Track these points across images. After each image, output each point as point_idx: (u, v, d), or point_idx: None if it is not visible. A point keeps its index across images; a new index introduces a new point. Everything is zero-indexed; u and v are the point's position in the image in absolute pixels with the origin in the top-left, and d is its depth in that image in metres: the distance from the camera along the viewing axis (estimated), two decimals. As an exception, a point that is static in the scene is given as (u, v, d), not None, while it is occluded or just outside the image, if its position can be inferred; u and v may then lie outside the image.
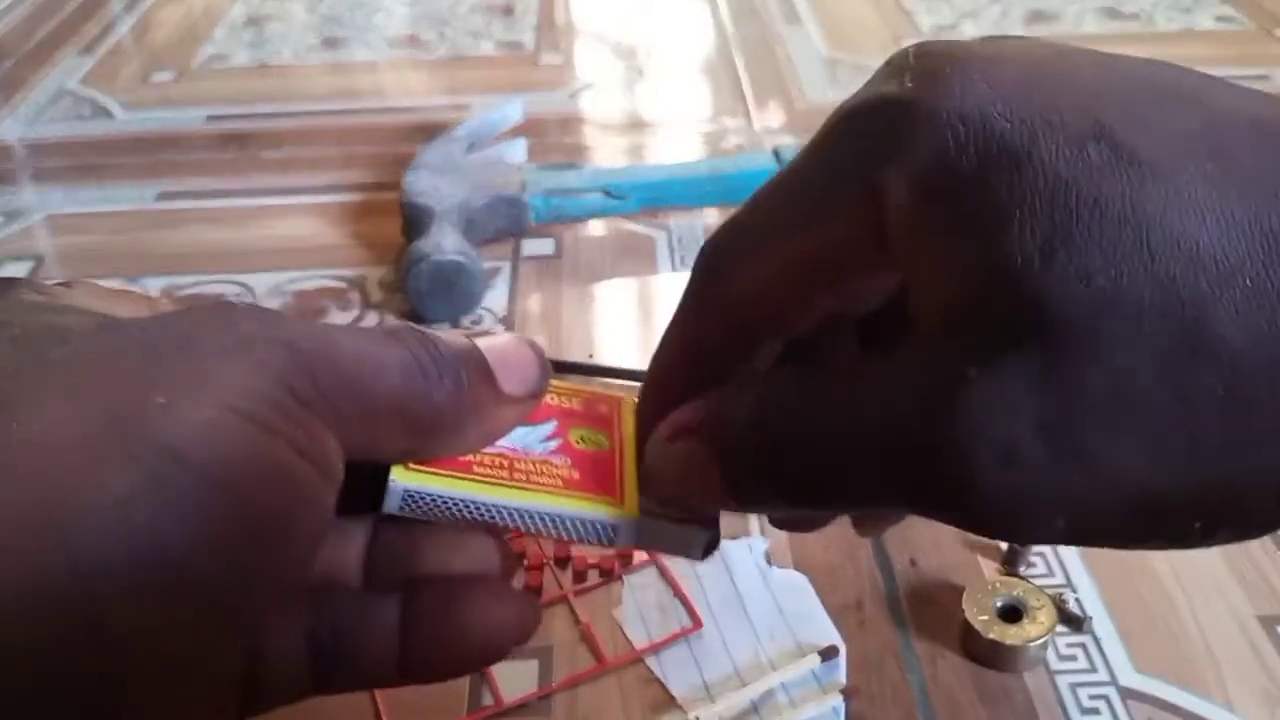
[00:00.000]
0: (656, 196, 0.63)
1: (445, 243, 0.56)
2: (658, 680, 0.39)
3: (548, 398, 0.26)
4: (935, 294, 0.19)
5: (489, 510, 0.23)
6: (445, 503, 0.23)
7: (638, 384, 0.52)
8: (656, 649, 0.40)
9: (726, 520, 0.45)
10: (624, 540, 0.24)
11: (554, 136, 0.76)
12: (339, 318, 0.58)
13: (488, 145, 0.69)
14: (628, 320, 0.58)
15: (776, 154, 0.63)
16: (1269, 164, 0.18)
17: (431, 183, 0.62)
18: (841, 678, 0.38)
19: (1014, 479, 0.17)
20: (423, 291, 0.56)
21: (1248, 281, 0.17)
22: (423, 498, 0.23)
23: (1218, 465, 0.17)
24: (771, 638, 0.40)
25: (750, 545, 0.44)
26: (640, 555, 0.43)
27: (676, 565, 0.43)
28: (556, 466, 0.25)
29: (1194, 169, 0.17)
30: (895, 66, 0.20)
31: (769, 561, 0.43)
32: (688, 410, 0.22)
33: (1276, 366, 0.17)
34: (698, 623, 0.40)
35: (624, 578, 0.43)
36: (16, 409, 0.17)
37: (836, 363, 0.23)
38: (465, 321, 0.57)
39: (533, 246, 0.63)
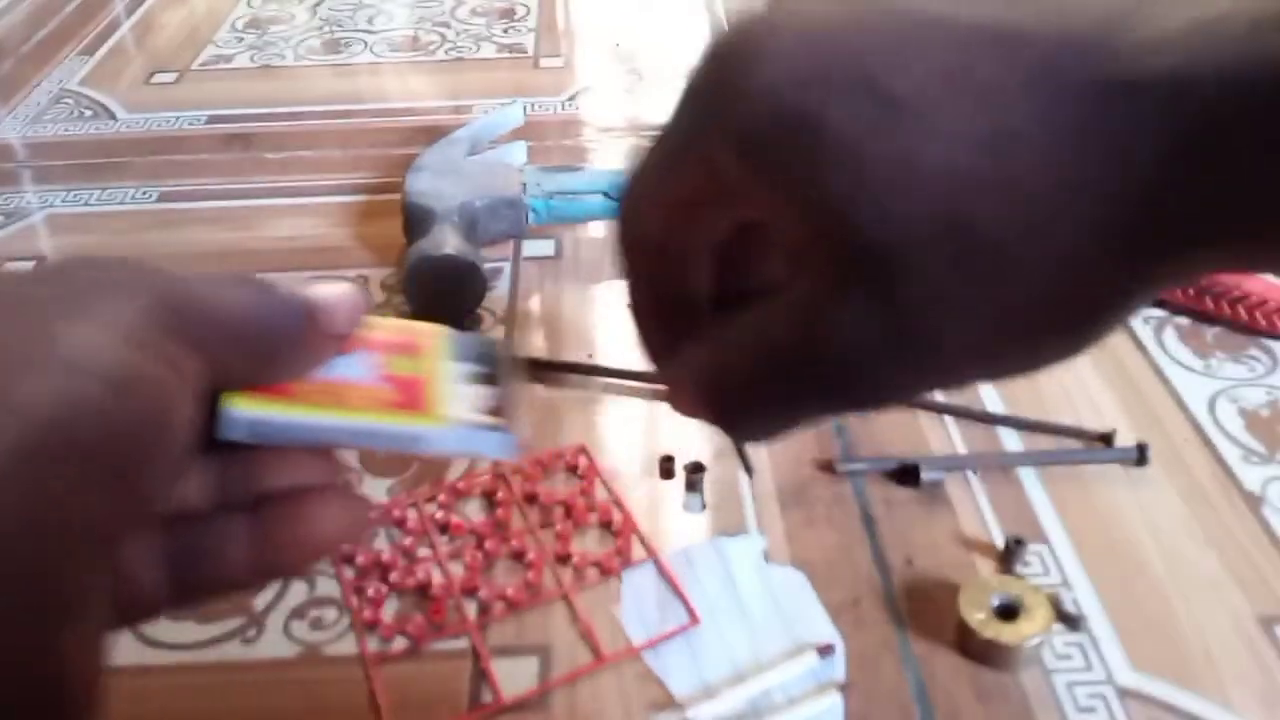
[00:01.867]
0: (656, 198, 0.64)
1: (446, 244, 0.57)
2: (657, 678, 0.39)
3: (375, 334, 0.30)
4: (782, 237, 0.24)
5: (313, 429, 0.27)
6: (277, 425, 0.27)
7: (637, 384, 0.53)
8: (654, 645, 0.40)
9: (727, 518, 0.46)
10: (433, 446, 0.29)
11: (554, 139, 0.76)
12: (340, 318, 0.58)
13: (488, 147, 0.69)
14: (627, 320, 0.58)
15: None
16: (997, 66, 0.22)
17: (433, 184, 0.62)
18: (839, 674, 0.39)
19: (877, 374, 0.23)
20: (424, 292, 0.56)
21: (996, 188, 0.21)
22: (258, 423, 0.27)
23: (1012, 315, 0.22)
24: (769, 635, 0.40)
25: (748, 542, 0.44)
26: (639, 554, 0.44)
27: (675, 562, 0.43)
28: (374, 390, 0.29)
29: (948, 101, 0.22)
30: (715, 43, 0.24)
31: (767, 559, 0.43)
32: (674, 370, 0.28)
33: (1026, 237, 0.21)
34: (695, 619, 0.41)
35: (622, 575, 0.43)
36: None
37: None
38: (466, 321, 0.57)
39: (533, 248, 0.64)
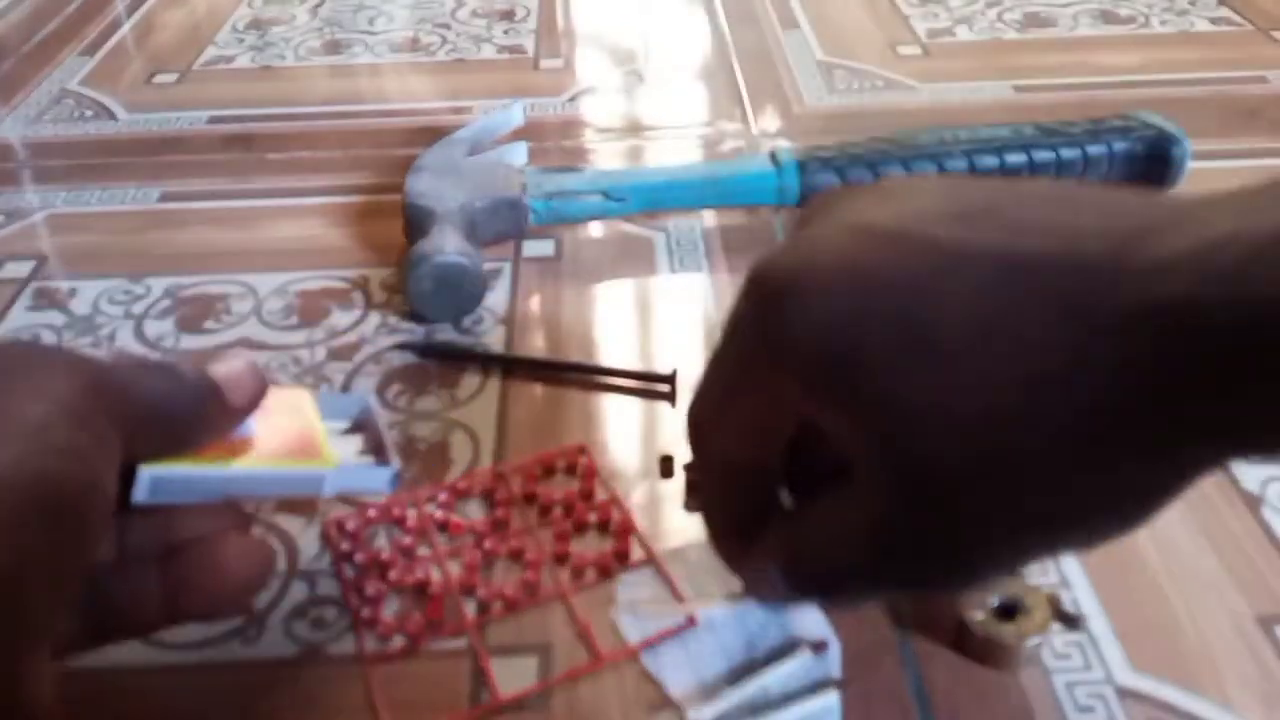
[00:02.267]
0: (655, 199, 0.64)
1: (447, 244, 0.57)
2: (654, 678, 0.39)
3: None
4: (844, 445, 0.26)
5: (220, 481, 0.31)
6: (187, 480, 0.30)
7: (636, 383, 0.53)
8: (651, 645, 0.40)
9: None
10: (328, 487, 0.33)
11: (554, 140, 0.76)
12: (341, 318, 0.58)
13: (489, 148, 0.69)
14: (627, 321, 0.58)
15: (774, 157, 0.64)
16: (1030, 315, 0.23)
17: (433, 185, 0.62)
18: (835, 672, 0.39)
19: (936, 577, 0.27)
20: (424, 292, 0.56)
21: (1023, 426, 0.24)
22: (169, 480, 0.30)
23: (1037, 527, 0.25)
24: (765, 634, 0.40)
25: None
26: (638, 553, 0.44)
27: (671, 562, 0.43)
28: (268, 441, 0.33)
29: (980, 344, 0.24)
30: (754, 277, 0.27)
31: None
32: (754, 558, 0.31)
33: (1071, 471, 0.24)
34: (692, 620, 0.41)
35: (619, 577, 0.43)
36: None
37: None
38: (466, 322, 0.58)
39: (533, 248, 0.64)
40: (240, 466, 0.32)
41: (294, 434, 0.34)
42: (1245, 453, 0.23)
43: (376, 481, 0.35)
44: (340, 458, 0.35)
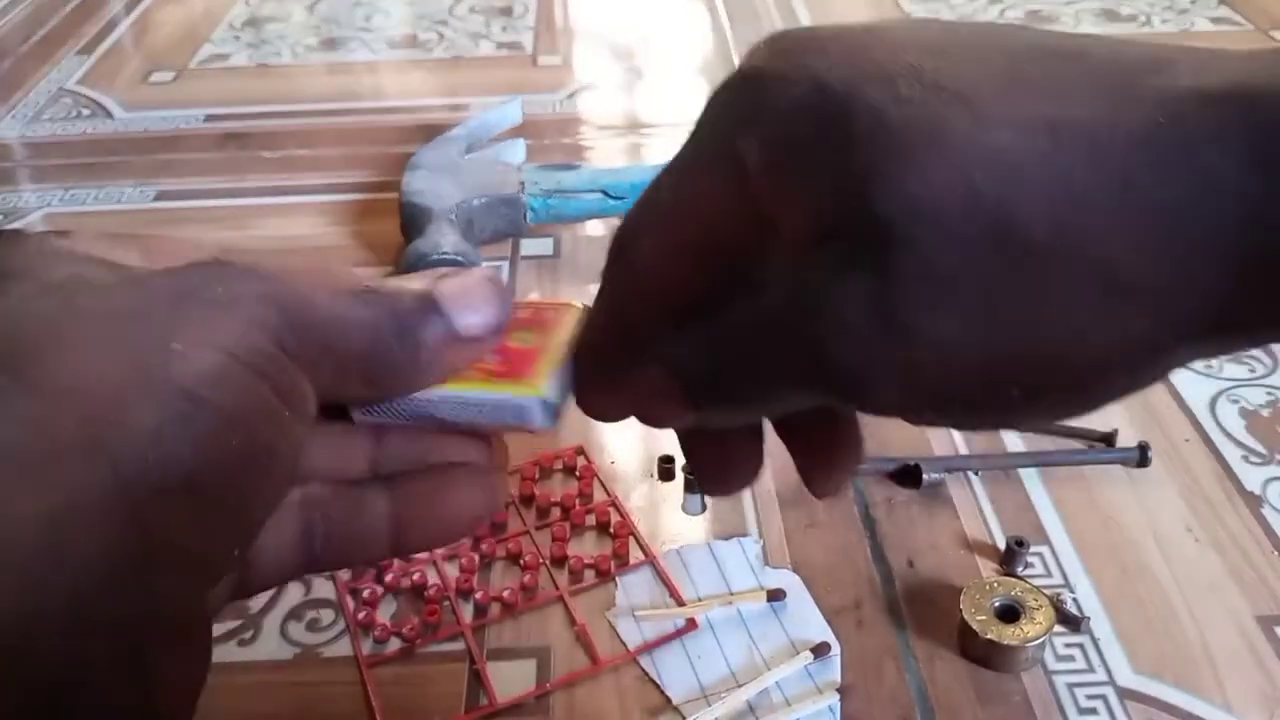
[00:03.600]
0: (655, 197, 0.63)
1: (444, 242, 0.56)
2: (654, 681, 0.39)
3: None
4: (794, 228, 0.22)
5: (427, 404, 0.26)
6: (390, 404, 0.26)
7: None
8: (651, 648, 0.40)
9: (727, 519, 0.45)
10: (523, 415, 0.27)
11: (552, 137, 0.76)
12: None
13: (486, 145, 0.69)
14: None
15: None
16: (1054, 72, 0.20)
17: (430, 183, 0.62)
18: (836, 676, 0.38)
19: (855, 354, 0.21)
20: (421, 291, 0.56)
21: (1042, 178, 0.19)
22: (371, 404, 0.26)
23: (1021, 338, 0.20)
24: (765, 637, 0.40)
25: (743, 545, 0.44)
26: (636, 555, 0.43)
27: (669, 564, 0.43)
28: (486, 363, 0.27)
29: (991, 89, 0.20)
30: (750, 52, 0.23)
31: (763, 561, 0.43)
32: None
33: (1069, 250, 0.19)
34: (692, 624, 0.40)
35: (617, 579, 0.42)
36: (61, 353, 0.21)
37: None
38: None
39: (531, 246, 0.63)
40: (445, 390, 0.27)
41: (519, 354, 0.28)
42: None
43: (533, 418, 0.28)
44: (548, 386, 0.28)
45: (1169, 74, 0.20)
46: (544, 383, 0.27)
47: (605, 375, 0.27)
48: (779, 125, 0.22)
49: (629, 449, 0.49)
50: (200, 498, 0.21)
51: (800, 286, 0.22)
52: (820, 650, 0.39)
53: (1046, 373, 0.20)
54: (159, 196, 0.71)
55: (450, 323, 0.25)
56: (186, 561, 0.21)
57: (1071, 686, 0.38)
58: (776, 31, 0.24)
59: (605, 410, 0.27)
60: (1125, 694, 0.38)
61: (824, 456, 0.30)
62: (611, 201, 0.62)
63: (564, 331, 0.29)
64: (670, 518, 0.45)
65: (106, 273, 0.23)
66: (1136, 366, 0.20)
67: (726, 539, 0.44)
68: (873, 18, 0.93)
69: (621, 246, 0.27)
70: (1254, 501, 0.46)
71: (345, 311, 0.24)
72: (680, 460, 0.47)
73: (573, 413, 0.28)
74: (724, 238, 0.25)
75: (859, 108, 0.21)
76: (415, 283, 0.26)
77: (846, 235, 0.21)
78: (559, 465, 0.48)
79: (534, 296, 0.27)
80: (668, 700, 0.38)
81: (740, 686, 0.38)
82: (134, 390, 0.20)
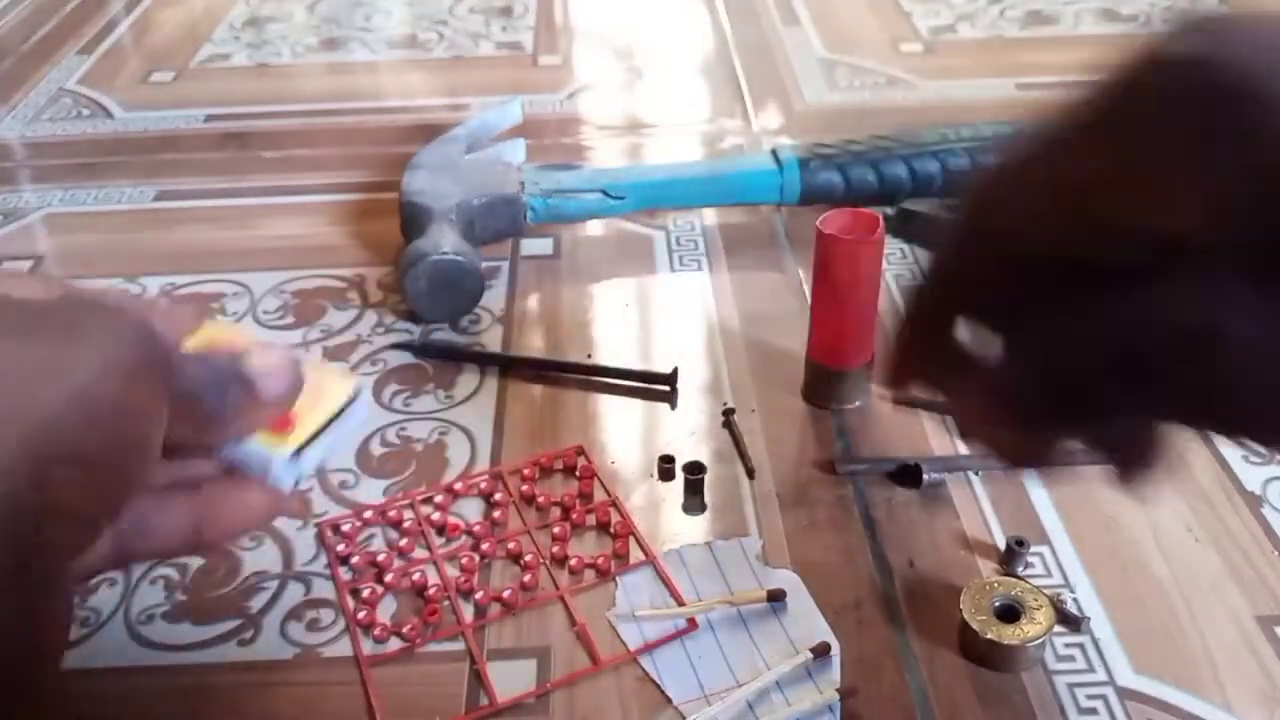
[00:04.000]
0: (655, 197, 0.63)
1: (444, 242, 0.56)
2: (654, 681, 0.39)
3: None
4: (1172, 220, 0.22)
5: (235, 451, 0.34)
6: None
7: (635, 383, 0.53)
8: (651, 649, 0.40)
9: (727, 519, 0.45)
10: (276, 470, 0.34)
11: (552, 137, 0.76)
12: (338, 317, 0.58)
13: (486, 145, 0.69)
14: (626, 320, 0.58)
15: (775, 154, 0.63)
16: None
17: (430, 183, 0.62)
18: (836, 676, 0.38)
19: (1248, 378, 0.21)
20: (421, 291, 0.56)
21: None
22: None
23: None
24: (765, 637, 0.40)
25: (743, 545, 0.44)
26: (636, 555, 0.43)
27: (669, 564, 0.43)
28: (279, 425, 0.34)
29: None
30: (1164, 37, 0.24)
31: (763, 561, 0.43)
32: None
33: None
34: (692, 623, 0.40)
35: (618, 579, 0.42)
36: None
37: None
38: (463, 321, 0.57)
39: (531, 246, 0.63)
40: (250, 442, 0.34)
41: (293, 417, 0.35)
42: None
43: (276, 471, 0.35)
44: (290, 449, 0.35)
45: None
46: (290, 446, 0.34)
47: (925, 338, 0.29)
48: (1202, 116, 0.22)
49: (629, 449, 0.49)
50: (89, 467, 0.26)
51: (1174, 292, 0.22)
52: (820, 650, 0.39)
53: None
54: (159, 196, 0.71)
55: (253, 386, 0.32)
56: (74, 519, 0.26)
57: (1071, 686, 0.38)
58: (1192, 15, 0.24)
59: (909, 378, 0.30)
60: (1125, 694, 0.38)
61: (1135, 462, 0.30)
62: (611, 201, 0.62)
63: (333, 403, 0.36)
64: (670, 518, 0.45)
65: (16, 299, 0.29)
66: None
67: (727, 539, 0.44)
68: (872, 17, 0.93)
69: (982, 205, 0.27)
70: (1254, 501, 0.46)
71: (183, 362, 0.31)
72: (680, 460, 0.47)
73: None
74: (1101, 218, 0.25)
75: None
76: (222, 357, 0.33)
77: (1244, 242, 0.21)
78: (559, 465, 0.48)
79: (322, 365, 0.33)
80: (668, 700, 0.38)
81: (740, 686, 0.38)
82: (40, 380, 0.26)
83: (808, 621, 0.40)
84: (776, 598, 0.41)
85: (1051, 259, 0.26)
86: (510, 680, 0.39)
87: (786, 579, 0.42)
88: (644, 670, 0.39)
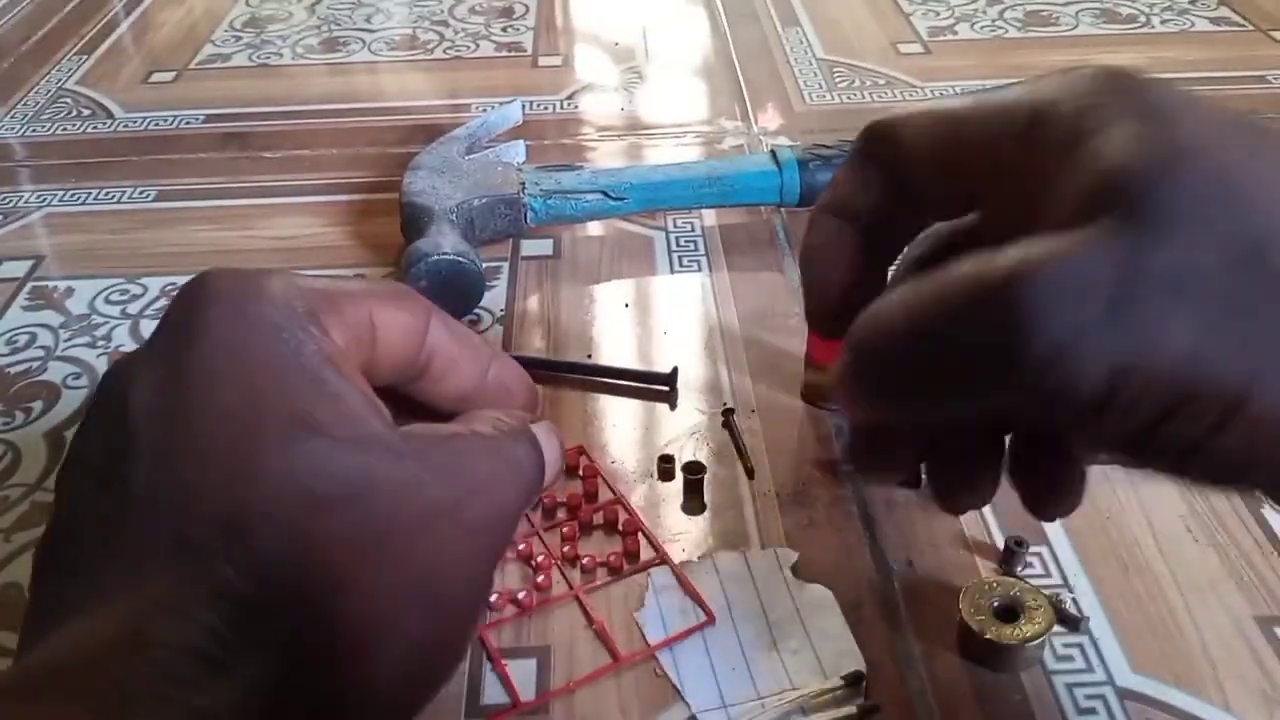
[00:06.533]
0: (655, 197, 0.63)
1: (444, 243, 0.56)
2: (660, 679, 0.39)
3: None
4: (1064, 195, 0.23)
5: None
6: None
7: (635, 383, 0.53)
8: (670, 644, 0.39)
9: (727, 519, 0.45)
10: None
11: (553, 138, 0.76)
12: (338, 318, 0.58)
13: (487, 146, 0.69)
14: (626, 320, 0.58)
15: (774, 155, 0.63)
16: None
17: (430, 183, 0.62)
18: (859, 697, 0.38)
19: (1073, 331, 0.21)
20: (422, 291, 0.56)
21: None
22: None
23: (1243, 361, 0.21)
24: (791, 652, 0.39)
25: (779, 554, 0.43)
26: (647, 552, 0.43)
27: (698, 572, 0.43)
28: None
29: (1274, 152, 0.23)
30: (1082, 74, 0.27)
31: (796, 574, 0.42)
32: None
33: None
34: (710, 616, 0.40)
35: (649, 577, 0.42)
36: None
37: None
38: (464, 321, 0.57)
39: (531, 247, 0.64)
40: None
41: None
42: None
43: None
44: None
45: None
46: None
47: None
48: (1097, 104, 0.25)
49: (629, 449, 0.49)
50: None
51: (1036, 244, 0.22)
52: (852, 679, 0.38)
53: (1252, 404, 0.21)
54: (159, 196, 0.71)
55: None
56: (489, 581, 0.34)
57: (1070, 686, 0.38)
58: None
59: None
60: (1124, 694, 0.38)
61: (1047, 492, 0.32)
62: (612, 202, 0.62)
63: None
64: (671, 518, 0.45)
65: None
66: None
67: (764, 548, 0.43)
68: (872, 18, 0.93)
69: (875, 133, 0.29)
70: (1254, 501, 0.46)
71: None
72: (679, 460, 0.47)
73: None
74: (997, 171, 0.26)
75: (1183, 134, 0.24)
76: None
77: (1105, 206, 0.22)
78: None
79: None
80: (678, 696, 0.38)
81: (760, 699, 0.37)
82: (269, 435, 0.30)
83: (837, 642, 0.39)
84: (854, 682, 0.38)
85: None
86: (523, 679, 0.39)
87: (819, 595, 0.41)
88: (663, 670, 0.39)
